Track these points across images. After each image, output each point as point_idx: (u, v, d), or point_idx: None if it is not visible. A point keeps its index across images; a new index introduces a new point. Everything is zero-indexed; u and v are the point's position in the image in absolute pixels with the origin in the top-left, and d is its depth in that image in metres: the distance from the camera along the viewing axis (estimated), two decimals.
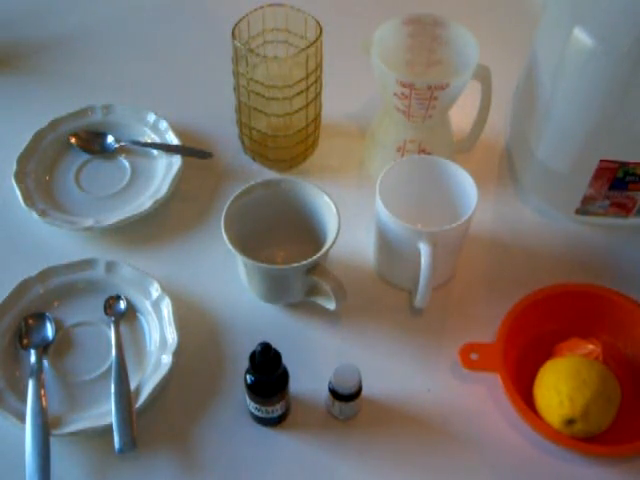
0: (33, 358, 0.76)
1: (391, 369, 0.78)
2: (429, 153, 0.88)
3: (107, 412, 0.73)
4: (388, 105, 0.85)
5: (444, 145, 0.90)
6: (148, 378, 0.75)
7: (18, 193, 0.88)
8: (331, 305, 0.79)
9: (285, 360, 0.70)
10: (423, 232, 0.76)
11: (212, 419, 0.74)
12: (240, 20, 0.84)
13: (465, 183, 0.79)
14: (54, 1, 1.16)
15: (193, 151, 0.94)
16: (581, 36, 0.72)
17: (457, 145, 0.93)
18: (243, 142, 0.95)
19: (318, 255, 0.75)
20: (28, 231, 0.88)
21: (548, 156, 0.84)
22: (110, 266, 0.83)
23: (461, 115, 0.91)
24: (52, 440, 0.70)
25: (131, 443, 0.70)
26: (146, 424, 0.74)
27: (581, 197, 0.84)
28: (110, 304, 0.81)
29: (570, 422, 0.70)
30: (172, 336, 0.78)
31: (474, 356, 0.75)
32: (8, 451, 0.72)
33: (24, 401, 0.73)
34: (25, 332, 0.79)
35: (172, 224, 0.90)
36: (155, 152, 0.95)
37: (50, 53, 1.09)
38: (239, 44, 0.82)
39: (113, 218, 0.87)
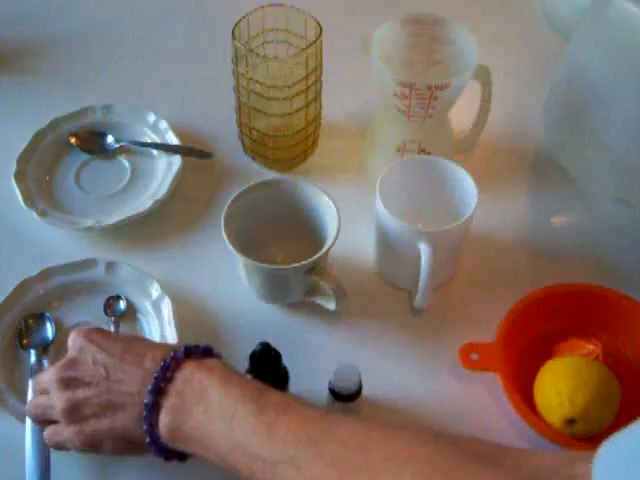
0: (33, 358, 0.76)
1: (391, 369, 0.78)
2: (429, 153, 0.88)
3: None
4: (388, 105, 0.85)
5: (444, 145, 0.90)
6: None
7: (18, 193, 0.88)
8: (331, 305, 0.79)
9: (285, 360, 0.70)
10: (423, 232, 0.76)
11: None
12: (240, 20, 0.84)
13: (465, 183, 0.79)
14: (54, 1, 1.16)
15: (193, 151, 0.94)
16: None
17: (457, 145, 0.93)
18: (243, 142, 0.95)
19: (318, 255, 0.75)
20: (28, 231, 0.88)
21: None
22: (110, 266, 0.83)
23: (461, 115, 0.91)
24: None
25: None
26: None
27: None
28: (110, 304, 0.81)
29: (570, 422, 0.70)
30: (172, 336, 0.77)
31: (474, 356, 0.75)
32: (8, 451, 0.72)
33: (24, 401, 0.72)
34: (25, 332, 0.79)
35: (172, 224, 0.90)
36: (155, 152, 0.95)
37: (50, 53, 1.09)
38: (239, 44, 0.82)
39: (113, 218, 0.87)
